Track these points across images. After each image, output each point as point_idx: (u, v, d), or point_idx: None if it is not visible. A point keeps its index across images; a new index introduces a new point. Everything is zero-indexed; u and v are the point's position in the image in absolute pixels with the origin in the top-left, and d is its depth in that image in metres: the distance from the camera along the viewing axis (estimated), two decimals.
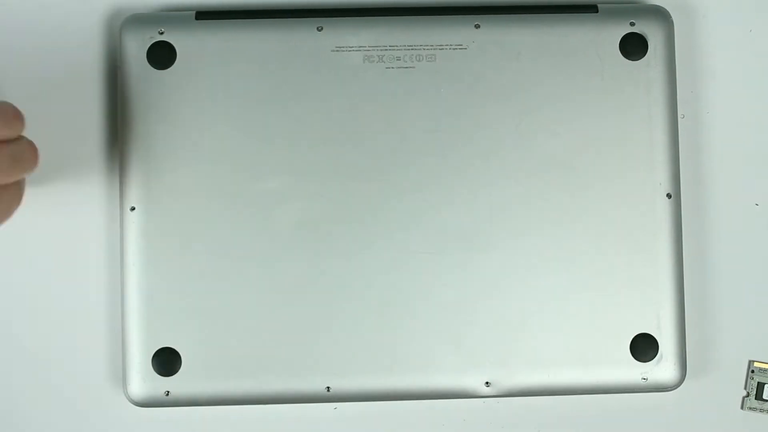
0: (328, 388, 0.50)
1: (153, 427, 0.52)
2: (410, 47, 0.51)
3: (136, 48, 0.51)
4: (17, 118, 0.48)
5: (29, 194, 0.53)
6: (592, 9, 0.52)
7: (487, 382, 0.50)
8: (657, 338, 0.50)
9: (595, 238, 0.51)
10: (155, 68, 0.51)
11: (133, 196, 0.50)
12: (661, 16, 0.52)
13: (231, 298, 0.50)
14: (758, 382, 0.53)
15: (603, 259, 0.51)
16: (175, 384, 0.50)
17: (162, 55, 0.51)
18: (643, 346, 0.50)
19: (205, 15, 0.52)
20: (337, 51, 0.51)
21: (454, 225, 0.51)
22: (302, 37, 0.51)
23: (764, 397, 0.53)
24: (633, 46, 0.51)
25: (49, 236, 0.53)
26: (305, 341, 0.50)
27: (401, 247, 0.50)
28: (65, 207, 0.53)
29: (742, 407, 0.53)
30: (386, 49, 0.51)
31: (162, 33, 0.51)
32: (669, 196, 0.51)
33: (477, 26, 0.51)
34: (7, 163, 0.47)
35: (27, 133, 0.53)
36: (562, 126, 0.51)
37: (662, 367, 0.50)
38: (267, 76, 0.51)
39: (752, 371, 0.53)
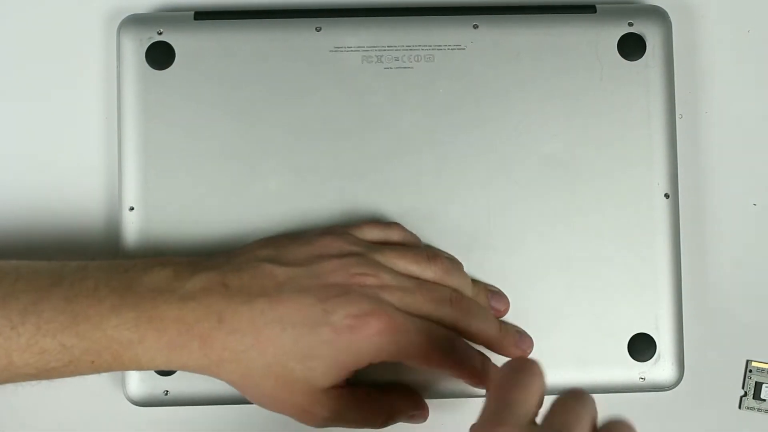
0: None
1: (153, 427, 0.52)
2: (409, 47, 0.51)
3: (134, 48, 0.51)
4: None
5: (30, 193, 0.53)
6: (591, 9, 0.52)
7: None
8: (655, 338, 0.50)
9: (593, 237, 0.51)
10: (154, 68, 0.51)
11: (133, 196, 0.51)
12: (660, 16, 0.52)
13: None
14: (756, 382, 0.53)
15: (601, 258, 0.51)
16: (174, 384, 0.50)
17: (161, 56, 0.51)
18: (641, 346, 0.50)
19: (203, 15, 0.52)
20: (336, 51, 0.51)
21: (452, 225, 0.51)
22: (301, 37, 0.51)
23: (762, 396, 0.53)
24: (631, 47, 0.51)
25: (49, 236, 0.53)
26: None
27: None
28: (65, 207, 0.53)
29: (739, 407, 0.53)
30: (385, 50, 0.51)
31: (161, 33, 0.51)
32: (667, 196, 0.51)
33: (475, 26, 0.51)
34: None
35: (27, 131, 0.53)
36: (561, 126, 0.51)
37: (660, 367, 0.51)
38: (266, 76, 0.51)
39: (750, 371, 0.53)
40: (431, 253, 0.47)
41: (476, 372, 0.45)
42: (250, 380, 0.43)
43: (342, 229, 0.47)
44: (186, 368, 0.43)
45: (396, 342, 0.43)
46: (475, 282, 0.49)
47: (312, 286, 0.43)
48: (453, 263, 0.48)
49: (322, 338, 0.42)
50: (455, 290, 0.46)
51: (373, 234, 0.47)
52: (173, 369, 0.42)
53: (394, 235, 0.48)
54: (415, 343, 0.43)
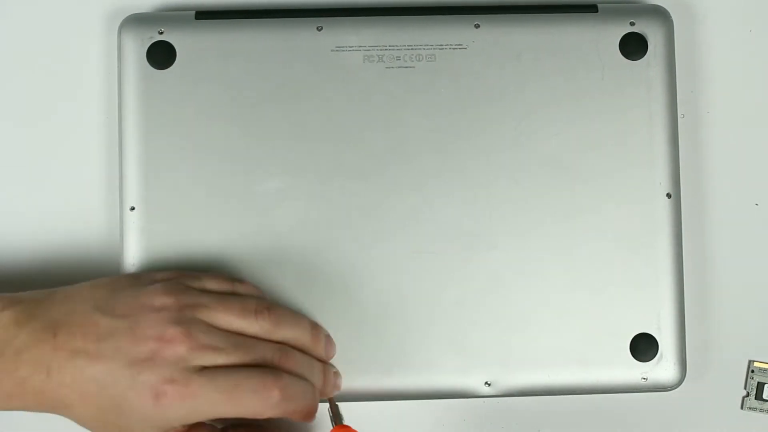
0: None
1: None
2: (410, 47, 0.51)
3: (135, 48, 0.51)
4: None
5: (31, 193, 0.53)
6: (592, 9, 0.52)
7: (487, 382, 0.50)
8: (657, 338, 0.50)
9: (595, 237, 0.51)
10: (155, 68, 0.51)
11: (133, 196, 0.50)
12: (661, 15, 0.52)
13: None
14: (758, 382, 0.53)
15: (603, 258, 0.51)
16: None
17: (161, 55, 0.51)
18: (643, 346, 0.50)
19: (204, 15, 0.52)
20: (337, 51, 0.51)
21: (454, 225, 0.51)
22: (302, 37, 0.51)
23: (764, 397, 0.53)
24: (633, 46, 0.51)
25: (50, 236, 0.52)
26: None
27: (401, 246, 0.50)
28: (65, 207, 0.53)
29: (742, 407, 0.53)
30: (386, 49, 0.51)
31: (161, 33, 0.51)
32: (669, 195, 0.51)
33: (477, 26, 0.51)
34: (277, 397, 0.45)
35: (27, 130, 0.53)
36: (562, 126, 0.51)
37: (662, 367, 0.50)
38: (267, 75, 0.51)
39: (752, 371, 0.53)
40: (260, 306, 0.47)
41: (302, 415, 0.46)
42: (86, 425, 0.45)
43: (178, 275, 0.48)
44: (27, 410, 0.45)
45: (195, 408, 0.44)
46: (315, 328, 0.49)
47: (126, 345, 0.44)
48: (284, 316, 0.48)
49: (131, 403, 0.44)
50: (280, 347, 0.46)
51: (212, 284, 0.48)
52: (16, 410, 0.45)
53: (239, 289, 0.48)
54: (218, 402, 0.44)
